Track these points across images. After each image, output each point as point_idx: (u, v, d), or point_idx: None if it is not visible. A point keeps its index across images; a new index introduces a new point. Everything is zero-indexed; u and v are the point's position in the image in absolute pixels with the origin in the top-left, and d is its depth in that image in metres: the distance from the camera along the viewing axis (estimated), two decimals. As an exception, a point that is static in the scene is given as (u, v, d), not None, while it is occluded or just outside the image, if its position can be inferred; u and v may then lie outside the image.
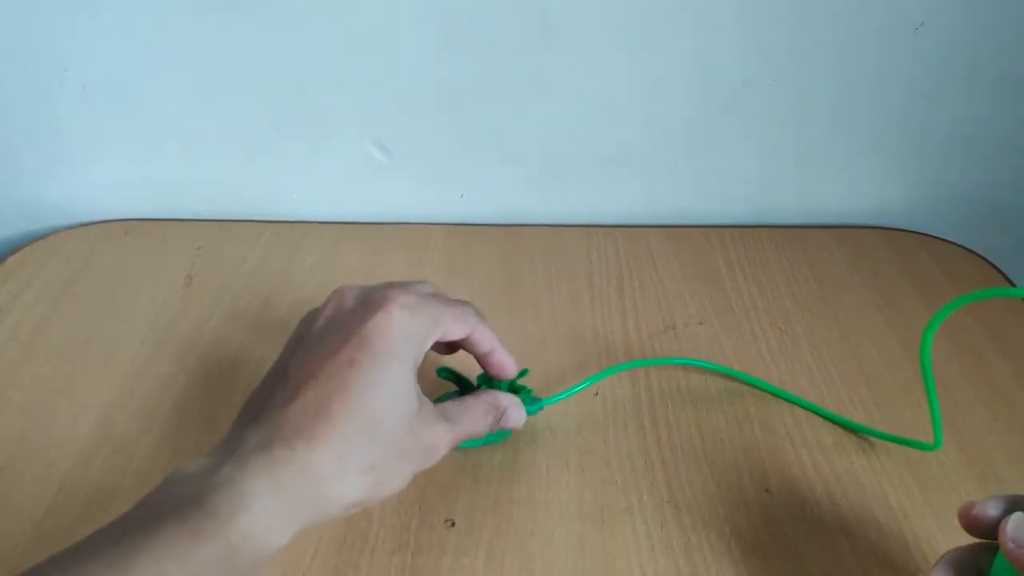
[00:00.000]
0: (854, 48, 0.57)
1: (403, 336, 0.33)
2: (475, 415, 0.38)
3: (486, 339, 0.39)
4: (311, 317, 0.37)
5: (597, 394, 0.49)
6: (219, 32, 0.56)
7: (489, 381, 0.43)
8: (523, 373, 0.44)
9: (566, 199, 0.67)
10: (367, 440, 0.31)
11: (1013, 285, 0.59)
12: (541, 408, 0.45)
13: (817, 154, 0.64)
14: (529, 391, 0.44)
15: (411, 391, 0.34)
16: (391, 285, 0.37)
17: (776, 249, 0.63)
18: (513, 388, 0.43)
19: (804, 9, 0.55)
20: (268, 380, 0.34)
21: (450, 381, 0.45)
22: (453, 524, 0.41)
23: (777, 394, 0.49)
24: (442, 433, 0.35)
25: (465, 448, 0.45)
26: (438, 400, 0.46)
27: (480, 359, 0.40)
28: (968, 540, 0.33)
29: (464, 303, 0.38)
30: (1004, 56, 0.58)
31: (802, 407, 0.48)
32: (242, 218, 0.67)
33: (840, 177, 0.66)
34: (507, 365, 0.40)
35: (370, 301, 0.34)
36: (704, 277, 0.60)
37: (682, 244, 0.64)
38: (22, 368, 0.51)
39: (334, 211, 0.67)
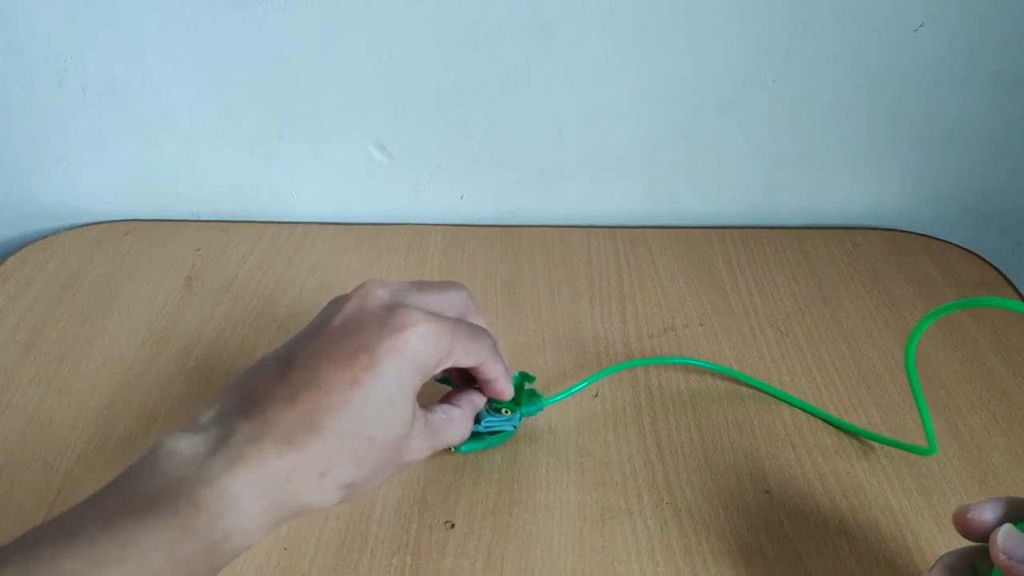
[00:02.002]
0: (854, 49, 0.57)
1: (413, 366, 0.33)
2: (457, 426, 0.38)
3: (492, 370, 0.38)
4: (332, 308, 0.35)
5: (597, 395, 0.49)
6: (219, 32, 0.56)
7: None
8: (530, 379, 0.44)
9: (566, 199, 0.67)
10: (353, 462, 0.31)
11: (1013, 286, 0.59)
12: (541, 408, 0.45)
13: (817, 154, 0.64)
14: (531, 389, 0.44)
15: (407, 416, 0.33)
16: (420, 288, 0.36)
17: (776, 250, 0.63)
18: (519, 391, 0.43)
19: (804, 10, 0.55)
20: (269, 366, 0.33)
21: (449, 384, 0.45)
22: (453, 525, 0.41)
23: (777, 395, 0.49)
24: (423, 448, 0.35)
25: (465, 450, 0.45)
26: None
27: (480, 382, 0.40)
28: (967, 543, 0.33)
29: (483, 333, 0.37)
30: (1004, 57, 0.58)
31: (802, 409, 0.48)
32: (242, 218, 0.67)
33: (840, 177, 0.66)
34: (506, 393, 0.40)
35: (391, 316, 0.33)
36: (704, 278, 0.60)
37: (682, 245, 0.64)
38: (22, 368, 0.51)
39: (334, 211, 0.67)
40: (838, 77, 0.59)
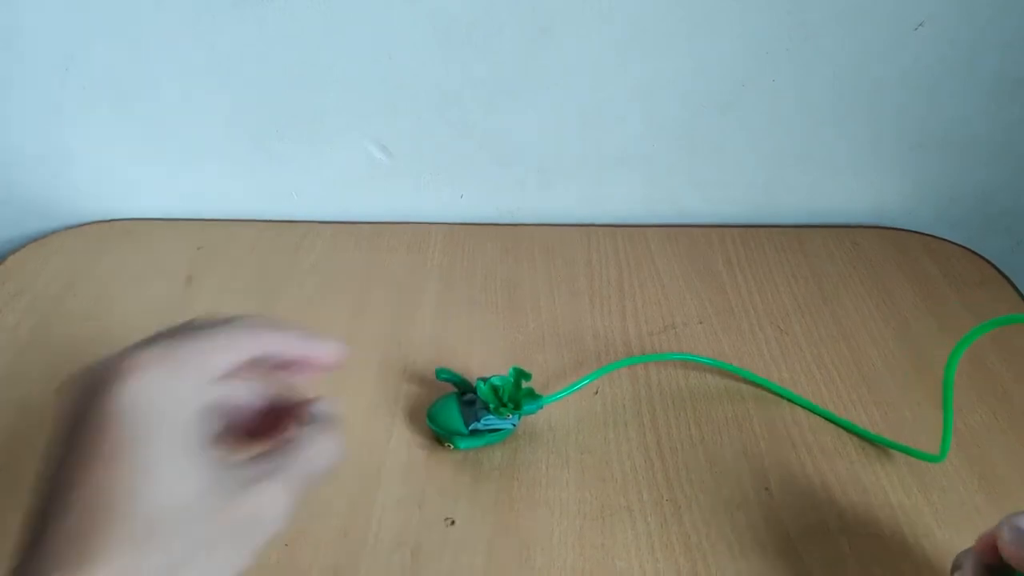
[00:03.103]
0: (854, 49, 0.57)
1: (158, 405, 0.27)
2: (311, 448, 0.29)
3: (286, 345, 0.31)
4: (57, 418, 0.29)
5: (597, 393, 0.49)
6: (219, 33, 0.56)
7: (487, 381, 0.44)
8: (527, 377, 0.44)
9: (566, 199, 0.67)
10: (151, 545, 0.25)
11: (1013, 286, 0.59)
12: (541, 407, 0.45)
13: (817, 154, 0.64)
14: (529, 388, 0.44)
15: (194, 468, 0.27)
16: (131, 346, 0.30)
17: (776, 249, 0.63)
18: (517, 388, 0.43)
19: (804, 10, 0.55)
20: (43, 487, 0.28)
21: (449, 382, 0.45)
22: (453, 523, 0.41)
23: (777, 392, 0.49)
24: (266, 493, 0.27)
25: (465, 448, 0.45)
26: (436, 403, 0.45)
27: (295, 368, 0.32)
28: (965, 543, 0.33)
29: (233, 320, 0.30)
30: (1004, 57, 0.58)
31: (802, 407, 0.48)
32: (242, 218, 0.67)
33: (840, 177, 0.66)
34: (323, 359, 0.32)
35: (98, 381, 0.28)
36: (704, 277, 0.60)
37: (682, 244, 0.64)
38: (22, 368, 0.51)
39: (334, 211, 0.67)
40: (838, 77, 0.59)
